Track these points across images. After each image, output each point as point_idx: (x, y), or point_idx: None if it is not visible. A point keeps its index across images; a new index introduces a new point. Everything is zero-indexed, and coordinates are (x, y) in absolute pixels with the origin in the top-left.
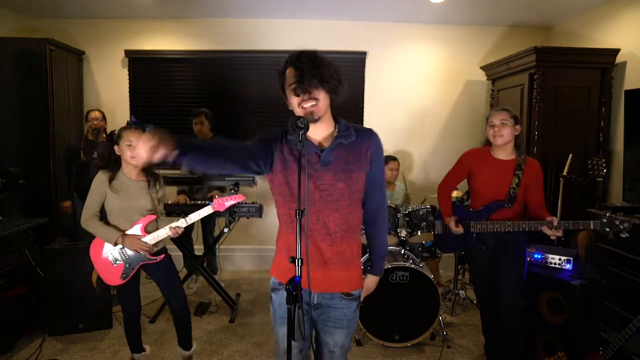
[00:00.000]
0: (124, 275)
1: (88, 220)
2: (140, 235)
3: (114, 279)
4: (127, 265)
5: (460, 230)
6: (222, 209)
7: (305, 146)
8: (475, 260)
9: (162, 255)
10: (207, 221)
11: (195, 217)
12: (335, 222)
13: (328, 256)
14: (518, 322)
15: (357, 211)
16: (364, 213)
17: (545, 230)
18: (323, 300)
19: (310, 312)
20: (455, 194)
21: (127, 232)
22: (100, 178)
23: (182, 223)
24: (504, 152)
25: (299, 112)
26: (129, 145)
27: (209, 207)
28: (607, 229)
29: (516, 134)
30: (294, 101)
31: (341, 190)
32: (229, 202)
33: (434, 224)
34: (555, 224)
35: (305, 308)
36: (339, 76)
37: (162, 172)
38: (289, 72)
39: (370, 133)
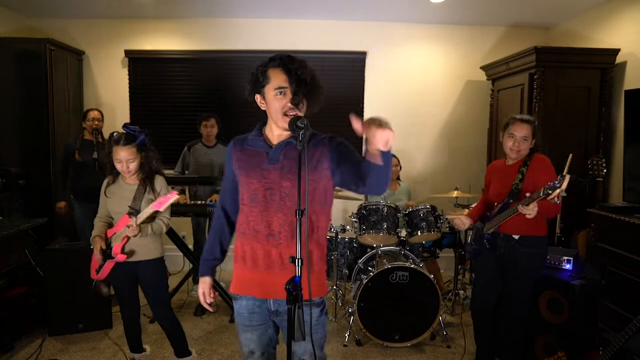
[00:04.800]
0: (98, 270)
1: (95, 220)
2: (104, 237)
3: (93, 272)
4: (101, 262)
5: (459, 223)
6: (160, 209)
7: (305, 146)
8: (480, 265)
9: (123, 256)
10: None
11: (142, 216)
12: (278, 222)
13: (273, 259)
14: (521, 324)
15: (311, 215)
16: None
17: (522, 209)
18: (280, 307)
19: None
20: (455, 194)
21: (108, 231)
22: (104, 183)
23: (132, 222)
24: (516, 159)
25: (280, 116)
26: (119, 162)
27: (151, 206)
28: (550, 191)
29: (531, 147)
30: (276, 104)
31: (286, 189)
32: (166, 201)
33: (471, 234)
34: (528, 195)
35: (269, 316)
36: (320, 88)
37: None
38: (277, 74)
39: (325, 142)
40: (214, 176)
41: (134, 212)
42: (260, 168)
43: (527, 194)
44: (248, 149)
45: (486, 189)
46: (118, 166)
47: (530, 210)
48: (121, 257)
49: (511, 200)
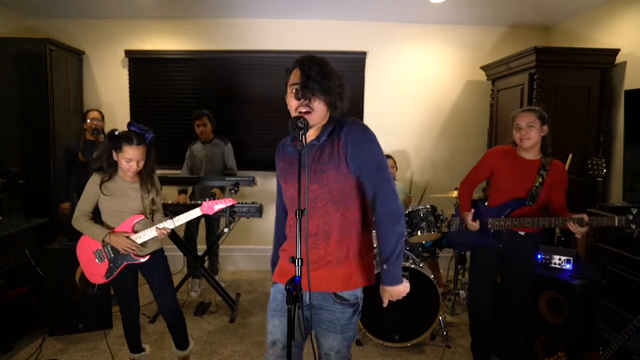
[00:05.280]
0: (107, 274)
1: (78, 218)
2: (128, 234)
3: (98, 277)
4: (111, 264)
5: (476, 225)
6: (211, 212)
7: (306, 146)
8: (482, 259)
9: (147, 256)
10: (211, 222)
11: (183, 218)
12: (314, 224)
13: (312, 259)
14: (521, 322)
15: (345, 212)
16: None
17: (572, 226)
18: (316, 301)
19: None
20: (455, 194)
21: (115, 230)
22: (94, 180)
23: (169, 224)
24: (530, 153)
25: (294, 114)
26: (129, 161)
27: (198, 209)
28: (634, 226)
29: (543, 134)
30: (292, 102)
31: (315, 192)
32: (218, 205)
33: (451, 221)
34: (586, 220)
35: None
36: (342, 91)
37: (163, 172)
38: (295, 72)
39: (342, 126)
40: (205, 176)
41: (169, 214)
42: (294, 174)
43: (586, 216)
44: (285, 156)
45: (481, 174)
46: (126, 165)
47: (583, 232)
48: (145, 257)
49: (530, 203)
